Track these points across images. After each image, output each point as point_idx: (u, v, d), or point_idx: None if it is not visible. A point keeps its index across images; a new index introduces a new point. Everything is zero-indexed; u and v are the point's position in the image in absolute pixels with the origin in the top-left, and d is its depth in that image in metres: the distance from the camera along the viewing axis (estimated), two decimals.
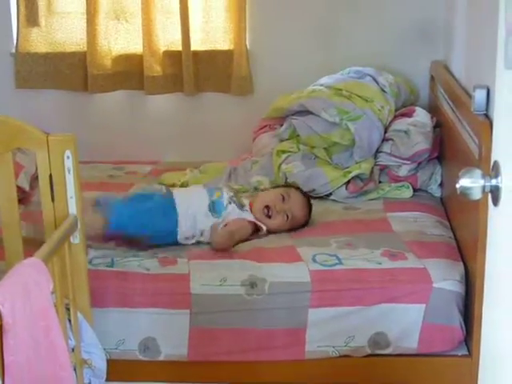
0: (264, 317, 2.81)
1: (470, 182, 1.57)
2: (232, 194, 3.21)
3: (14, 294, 1.90)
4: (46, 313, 2.03)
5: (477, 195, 1.58)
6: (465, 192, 1.59)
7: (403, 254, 2.93)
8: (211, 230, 3.03)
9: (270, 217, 3.17)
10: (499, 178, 1.53)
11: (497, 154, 1.60)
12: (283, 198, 3.20)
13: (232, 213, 3.11)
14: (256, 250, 3.02)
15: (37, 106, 4.43)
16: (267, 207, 3.17)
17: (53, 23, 4.30)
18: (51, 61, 4.33)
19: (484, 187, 1.57)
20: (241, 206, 3.16)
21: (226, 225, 3.04)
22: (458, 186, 1.59)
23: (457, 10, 3.74)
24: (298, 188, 3.34)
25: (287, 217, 3.17)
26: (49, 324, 2.04)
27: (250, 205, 3.21)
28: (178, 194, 3.18)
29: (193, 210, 3.09)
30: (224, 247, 2.96)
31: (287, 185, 3.47)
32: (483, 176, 1.57)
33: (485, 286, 1.77)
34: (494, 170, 1.56)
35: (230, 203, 3.14)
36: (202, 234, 3.09)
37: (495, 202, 1.56)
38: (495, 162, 1.57)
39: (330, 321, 2.80)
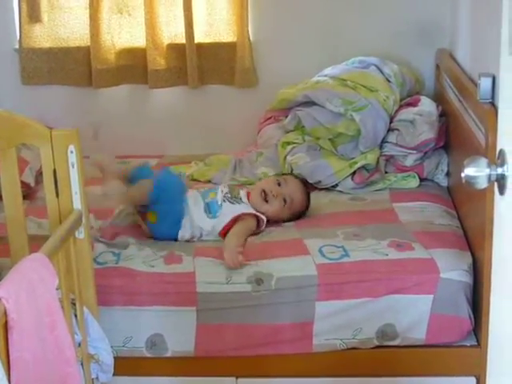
0: (271, 312, 2.79)
1: (475, 171, 1.55)
2: (227, 190, 3.21)
3: (19, 290, 1.89)
4: (51, 308, 2.02)
5: (482, 184, 1.57)
6: (470, 181, 1.58)
7: (410, 244, 2.92)
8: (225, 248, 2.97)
9: (267, 201, 3.17)
10: (505, 167, 1.51)
11: (502, 143, 1.59)
12: (279, 183, 3.22)
13: (226, 211, 3.10)
14: (262, 244, 3.01)
15: (42, 101, 4.41)
16: (264, 191, 3.18)
17: (55, 18, 4.27)
18: (55, 56, 4.32)
19: (490, 176, 1.55)
20: (236, 200, 3.16)
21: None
22: (463, 175, 1.57)
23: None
24: (294, 175, 3.36)
25: (285, 201, 3.18)
26: (54, 319, 2.03)
27: (248, 194, 3.21)
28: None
29: (190, 214, 3.09)
30: (237, 266, 2.87)
31: (284, 173, 3.49)
32: (489, 165, 1.55)
33: (492, 275, 1.75)
34: (499, 159, 1.54)
35: (224, 201, 3.14)
36: (201, 235, 3.10)
37: (501, 190, 1.55)
38: (501, 151, 1.56)
39: (337, 313, 2.78)
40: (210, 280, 2.81)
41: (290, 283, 2.79)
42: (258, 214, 3.13)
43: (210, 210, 3.10)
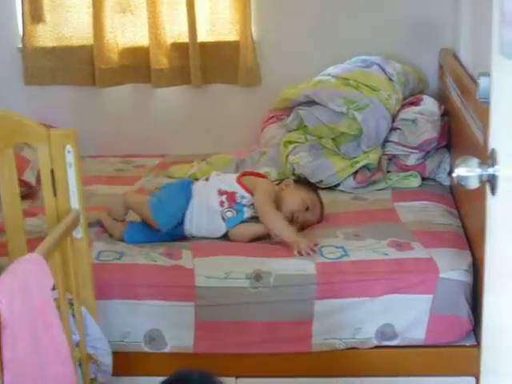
0: (269, 309, 2.79)
1: (466, 171, 1.54)
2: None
3: (13, 291, 1.89)
4: (45, 308, 2.02)
5: (474, 184, 1.56)
6: (461, 181, 1.57)
7: (410, 244, 2.91)
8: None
9: (290, 222, 3.07)
10: (496, 167, 1.51)
11: (494, 142, 1.57)
12: (307, 208, 3.14)
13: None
14: (262, 243, 3.01)
15: (45, 101, 4.43)
16: (292, 214, 3.10)
17: (58, 18, 4.29)
18: (58, 55, 4.34)
19: (481, 176, 1.54)
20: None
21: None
22: (454, 175, 1.57)
23: None
24: (317, 194, 3.24)
25: (302, 226, 3.13)
26: (49, 320, 2.03)
27: (239, 180, 3.15)
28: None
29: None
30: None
31: (309, 185, 3.33)
32: (480, 165, 1.54)
33: (485, 274, 1.75)
34: (490, 159, 1.53)
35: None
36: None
37: (493, 190, 1.54)
38: (492, 150, 1.55)
39: (336, 313, 2.78)
40: (209, 274, 2.81)
41: (288, 281, 2.79)
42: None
43: (184, 191, 3.12)
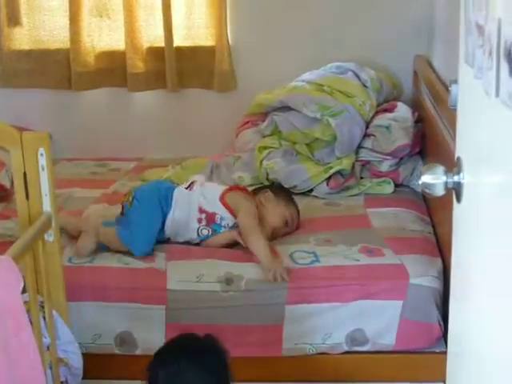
0: (240, 313, 2.80)
1: (432, 179, 1.57)
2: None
3: None
4: (15, 312, 2.02)
5: (439, 192, 1.58)
6: (427, 188, 1.59)
7: (381, 250, 2.92)
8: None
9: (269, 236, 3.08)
10: (461, 175, 1.53)
11: (460, 150, 1.60)
12: (287, 223, 3.15)
13: (182, 195, 3.09)
14: (234, 249, 3.02)
15: (21, 104, 4.43)
16: (272, 230, 3.11)
17: (35, 21, 4.29)
18: (35, 59, 4.33)
19: (447, 183, 1.56)
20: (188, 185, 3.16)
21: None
22: (420, 182, 1.59)
23: (439, 3, 3.74)
24: (294, 204, 3.22)
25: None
26: (18, 323, 2.02)
27: (223, 199, 3.11)
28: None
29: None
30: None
31: (287, 197, 3.26)
32: (445, 172, 1.56)
33: (451, 281, 1.77)
34: (456, 167, 1.55)
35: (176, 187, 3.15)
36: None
37: (458, 198, 1.56)
38: (458, 158, 1.57)
39: (306, 318, 2.79)
40: (181, 278, 2.82)
41: (259, 285, 2.80)
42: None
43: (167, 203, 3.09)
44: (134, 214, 3.05)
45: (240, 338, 2.80)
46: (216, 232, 3.07)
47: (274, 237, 3.09)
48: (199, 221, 3.06)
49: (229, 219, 3.06)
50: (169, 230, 3.07)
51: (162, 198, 3.08)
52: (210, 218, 3.06)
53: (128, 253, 2.97)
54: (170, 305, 2.79)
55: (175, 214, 3.06)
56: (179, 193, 3.11)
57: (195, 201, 3.08)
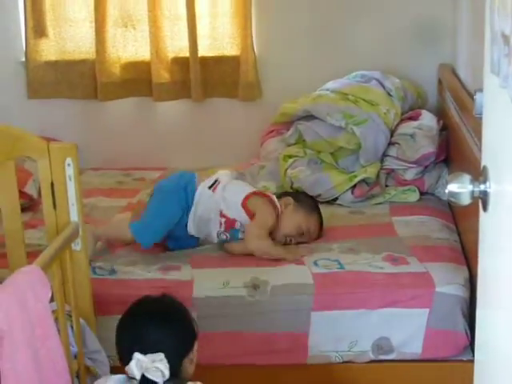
0: (266, 320, 2.80)
1: (458, 188, 1.56)
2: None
3: (10, 302, 1.91)
4: (43, 320, 2.04)
5: (465, 201, 1.57)
6: (453, 197, 1.59)
7: (405, 258, 2.93)
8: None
9: (284, 244, 3.13)
10: (487, 183, 1.53)
11: (485, 159, 1.60)
12: (302, 233, 3.16)
13: (204, 196, 3.10)
14: (258, 257, 3.03)
15: (48, 114, 4.47)
16: (285, 237, 3.14)
17: (61, 32, 4.32)
18: (61, 69, 4.37)
19: (473, 192, 1.56)
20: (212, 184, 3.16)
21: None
22: (446, 191, 1.59)
23: (462, 12, 3.74)
24: (318, 214, 3.22)
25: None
26: (46, 331, 2.05)
27: (245, 203, 3.11)
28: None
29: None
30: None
31: (310, 205, 3.24)
32: (472, 181, 1.56)
33: (478, 290, 1.76)
34: (482, 176, 1.55)
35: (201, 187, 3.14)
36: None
37: (485, 207, 1.56)
38: (484, 167, 1.57)
39: (332, 324, 2.79)
40: (208, 286, 2.84)
41: (286, 291, 2.81)
42: (273, 198, 3.17)
43: (187, 199, 3.11)
44: (150, 204, 3.10)
45: (265, 346, 2.80)
46: (234, 236, 3.09)
47: (286, 243, 3.12)
48: (219, 225, 3.09)
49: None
50: (192, 226, 3.09)
51: (181, 190, 3.10)
52: (230, 224, 3.09)
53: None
54: (196, 312, 2.79)
55: (197, 212, 3.08)
56: (202, 193, 3.12)
57: (217, 204, 3.10)
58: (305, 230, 3.15)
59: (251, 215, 3.07)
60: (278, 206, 3.15)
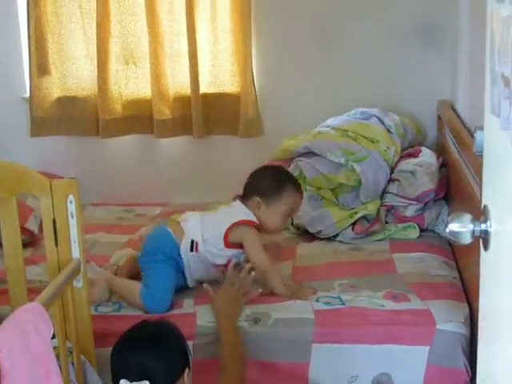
0: (266, 348, 2.79)
1: (459, 227, 1.57)
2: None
3: (12, 339, 1.91)
4: (45, 358, 2.04)
5: (466, 240, 1.58)
6: (454, 237, 1.60)
7: (406, 295, 2.93)
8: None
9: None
10: (488, 223, 1.54)
11: (486, 198, 1.61)
12: (289, 215, 3.17)
13: (189, 257, 3.04)
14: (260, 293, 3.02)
15: (50, 151, 4.50)
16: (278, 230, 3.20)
17: (63, 70, 4.35)
18: (63, 106, 4.39)
19: (474, 232, 1.57)
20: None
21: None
22: (447, 230, 1.60)
23: (462, 51, 3.77)
24: (288, 189, 3.13)
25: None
26: (48, 369, 2.04)
27: (226, 241, 3.06)
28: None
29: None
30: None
31: (273, 192, 3.13)
32: (472, 221, 1.57)
33: (479, 326, 1.77)
34: (483, 215, 1.57)
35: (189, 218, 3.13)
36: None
37: (485, 246, 1.57)
38: (485, 207, 1.58)
39: (333, 358, 2.78)
40: (210, 319, 2.84)
41: (287, 323, 2.81)
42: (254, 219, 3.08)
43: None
44: (148, 277, 3.03)
45: (266, 375, 2.79)
46: (239, 259, 3.07)
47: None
48: (221, 272, 3.07)
49: (241, 254, 3.07)
50: (193, 281, 3.10)
51: (170, 259, 3.04)
52: (227, 265, 3.05)
53: None
54: (197, 340, 2.79)
55: (195, 275, 3.08)
56: (189, 259, 3.05)
57: (206, 260, 3.05)
58: (290, 211, 3.13)
59: (240, 247, 3.05)
60: (253, 218, 3.08)
